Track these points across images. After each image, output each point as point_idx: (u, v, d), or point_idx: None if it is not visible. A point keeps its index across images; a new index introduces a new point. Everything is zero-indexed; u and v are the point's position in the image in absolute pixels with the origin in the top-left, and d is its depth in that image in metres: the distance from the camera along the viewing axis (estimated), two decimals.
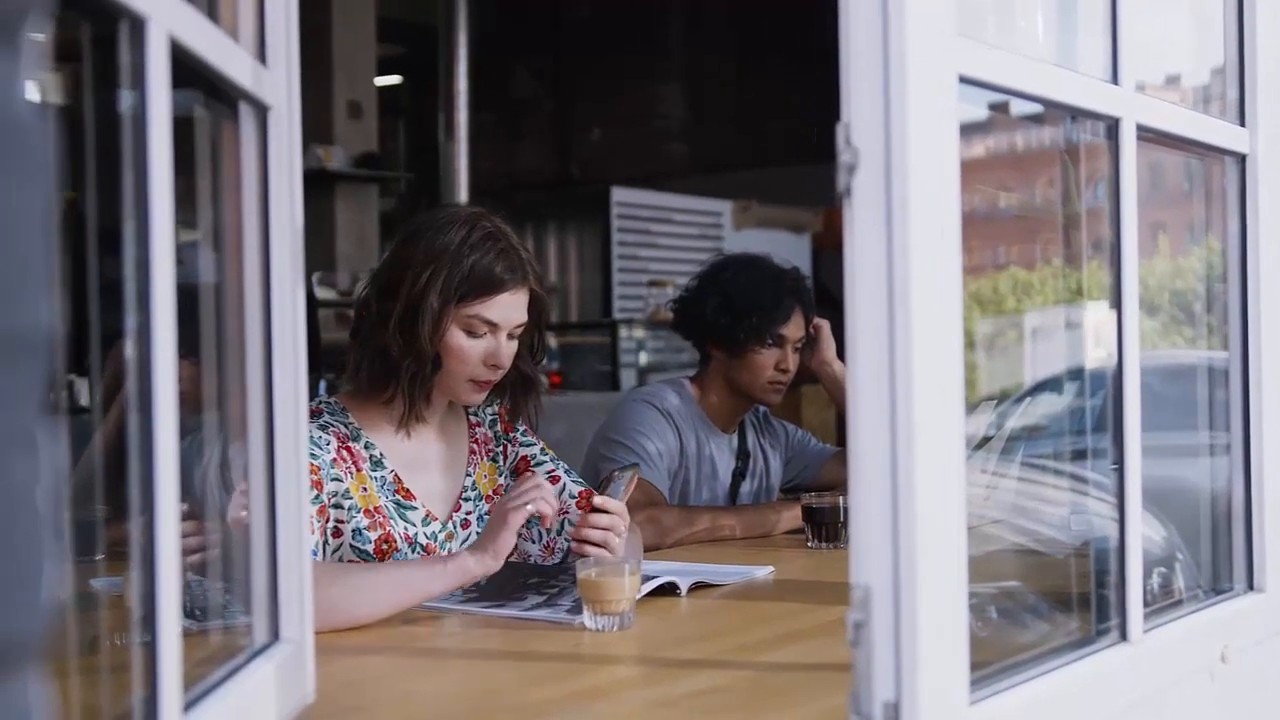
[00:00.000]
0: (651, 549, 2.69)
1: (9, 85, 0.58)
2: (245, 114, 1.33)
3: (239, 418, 1.37)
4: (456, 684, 1.70)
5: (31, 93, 0.60)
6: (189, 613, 1.21)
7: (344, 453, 2.19)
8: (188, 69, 1.10)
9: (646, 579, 2.05)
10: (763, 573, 2.37)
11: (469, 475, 2.37)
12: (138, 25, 0.99)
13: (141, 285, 0.99)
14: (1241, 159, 1.80)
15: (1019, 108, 1.55)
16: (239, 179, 1.35)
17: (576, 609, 1.92)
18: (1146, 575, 1.58)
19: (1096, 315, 1.83)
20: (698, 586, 2.21)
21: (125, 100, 1.00)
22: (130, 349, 1.00)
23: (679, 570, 2.20)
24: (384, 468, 2.24)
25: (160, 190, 1.00)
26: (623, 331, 7.39)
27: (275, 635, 1.36)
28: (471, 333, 2.20)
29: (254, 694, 1.25)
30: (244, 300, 1.35)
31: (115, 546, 1.27)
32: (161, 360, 1.00)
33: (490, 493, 2.38)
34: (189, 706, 1.08)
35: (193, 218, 1.29)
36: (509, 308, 2.21)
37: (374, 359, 2.21)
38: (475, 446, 2.40)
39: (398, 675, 1.72)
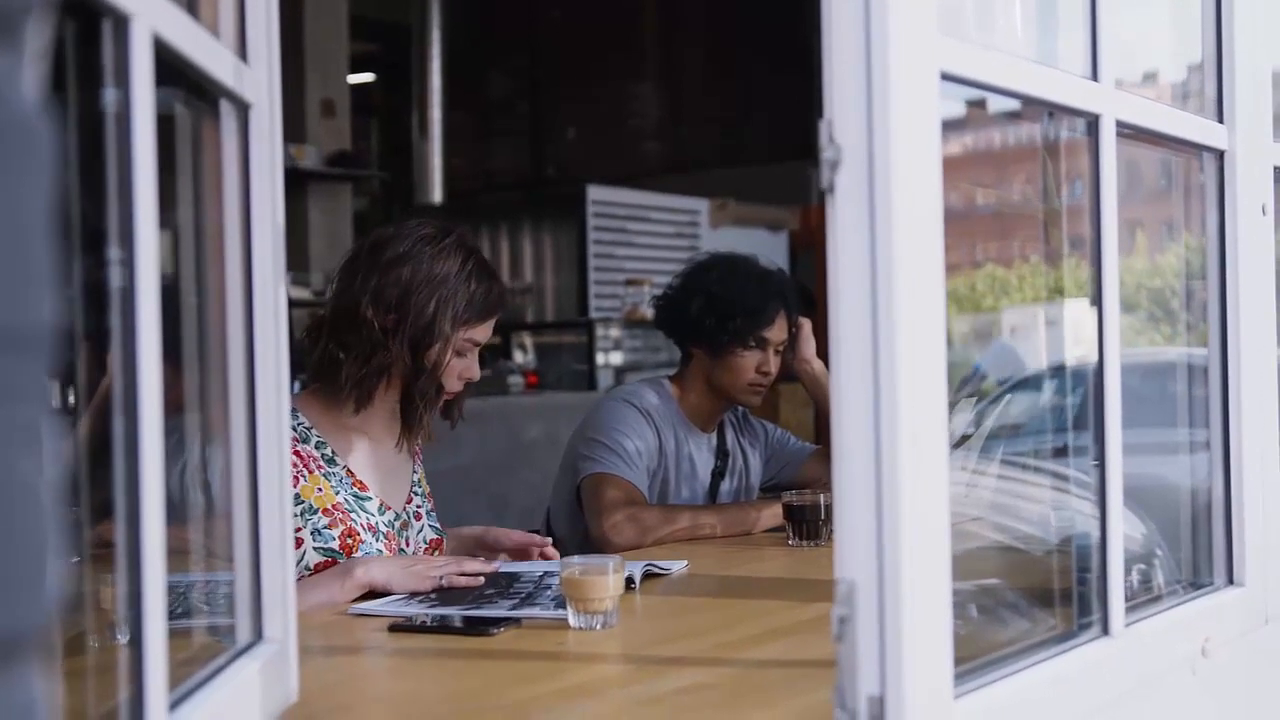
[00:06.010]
0: (632, 548, 2.70)
1: (11, 83, 0.58)
2: (226, 112, 1.33)
3: (219, 418, 1.36)
4: (440, 683, 1.70)
5: (33, 91, 0.60)
6: (171, 613, 1.20)
7: (293, 456, 2.20)
8: (168, 66, 1.09)
9: None
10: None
11: (415, 472, 2.46)
12: (121, 23, 0.98)
13: (126, 285, 0.98)
14: (1220, 155, 1.81)
15: (995, 105, 1.55)
16: (219, 177, 1.34)
17: (561, 604, 1.92)
18: (1126, 571, 1.59)
19: (1075, 312, 1.83)
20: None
21: (108, 97, 1.00)
22: (114, 350, 0.99)
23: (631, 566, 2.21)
24: (337, 464, 2.29)
25: (144, 188, 1.00)
26: (599, 330, 7.36)
27: (259, 635, 1.36)
28: (460, 353, 2.30)
29: (238, 693, 1.24)
30: (225, 300, 1.34)
31: (93, 548, 1.26)
32: (146, 362, 0.99)
33: (426, 492, 2.49)
34: (174, 706, 1.07)
35: (172, 217, 1.28)
36: (491, 327, 2.35)
37: (375, 375, 2.26)
38: (417, 448, 2.49)
39: (381, 675, 1.72)
